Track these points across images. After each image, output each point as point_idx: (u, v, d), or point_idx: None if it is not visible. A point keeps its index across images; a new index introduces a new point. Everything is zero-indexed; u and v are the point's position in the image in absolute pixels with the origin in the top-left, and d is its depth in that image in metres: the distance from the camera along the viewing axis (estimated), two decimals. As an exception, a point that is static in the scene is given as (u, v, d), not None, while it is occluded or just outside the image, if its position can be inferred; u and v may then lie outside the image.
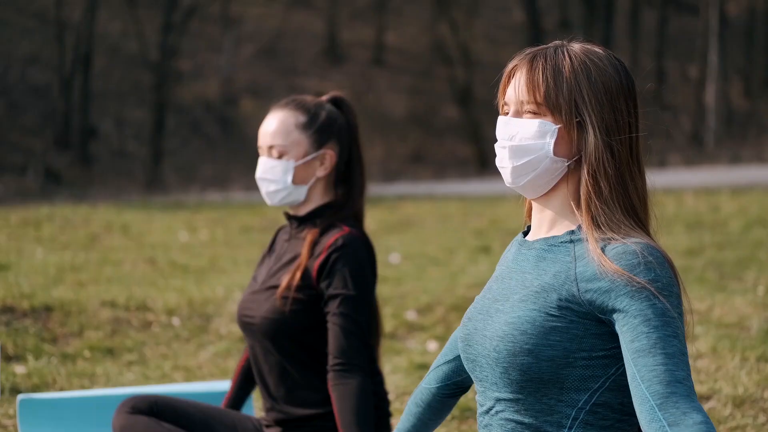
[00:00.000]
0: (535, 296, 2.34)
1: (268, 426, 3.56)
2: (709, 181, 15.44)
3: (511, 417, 2.36)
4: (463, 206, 14.25)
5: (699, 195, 13.13)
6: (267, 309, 3.50)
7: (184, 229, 12.46)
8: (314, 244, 3.52)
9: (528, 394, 2.32)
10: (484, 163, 27.76)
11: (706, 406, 4.73)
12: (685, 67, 32.51)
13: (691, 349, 5.53)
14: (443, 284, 7.89)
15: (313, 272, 3.48)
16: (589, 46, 2.43)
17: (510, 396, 2.35)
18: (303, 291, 3.47)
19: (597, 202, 2.36)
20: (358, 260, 3.48)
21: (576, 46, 2.42)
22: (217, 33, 30.45)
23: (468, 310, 2.51)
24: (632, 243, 2.28)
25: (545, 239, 2.43)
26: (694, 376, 5.11)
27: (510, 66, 2.45)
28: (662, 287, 2.24)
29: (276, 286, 3.51)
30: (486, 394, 2.41)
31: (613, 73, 2.39)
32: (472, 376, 2.46)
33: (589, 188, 2.37)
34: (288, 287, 3.48)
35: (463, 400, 5.02)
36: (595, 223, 2.35)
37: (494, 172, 24.09)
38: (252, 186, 19.69)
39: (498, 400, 2.38)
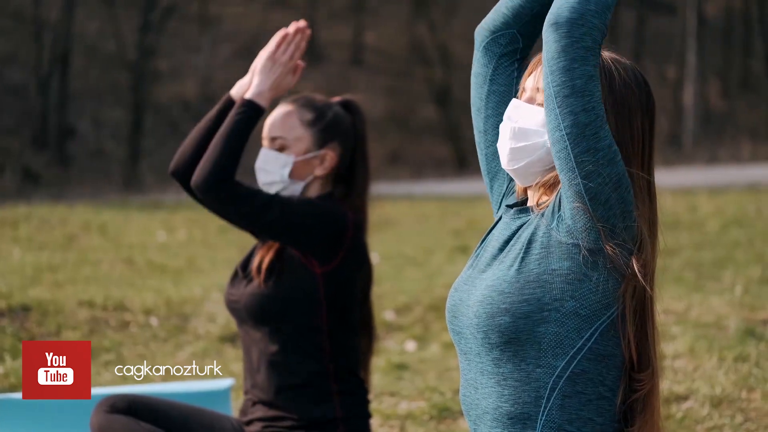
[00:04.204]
0: (514, 255, 2.40)
1: (248, 424, 3.55)
2: (686, 182, 15.44)
3: (492, 389, 2.39)
4: (441, 206, 14.26)
5: (676, 195, 13.15)
6: (249, 287, 3.51)
7: (161, 229, 12.42)
8: None
9: (507, 360, 2.35)
10: (462, 163, 27.73)
11: (683, 406, 4.74)
12: (662, 67, 32.59)
13: (669, 349, 5.54)
14: (421, 284, 7.89)
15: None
16: (618, 57, 2.46)
17: (491, 367, 2.38)
18: (289, 264, 3.48)
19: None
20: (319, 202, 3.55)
21: (606, 54, 2.45)
22: (195, 33, 30.37)
23: (456, 280, 2.54)
24: None
25: (529, 208, 2.48)
26: (671, 376, 5.12)
27: (539, 56, 2.50)
28: None
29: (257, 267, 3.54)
30: (470, 368, 2.44)
31: (635, 89, 2.42)
32: (457, 349, 2.49)
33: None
34: (261, 262, 3.50)
35: (440, 400, 5.01)
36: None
37: (472, 173, 24.10)
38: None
39: (481, 372, 2.41)
